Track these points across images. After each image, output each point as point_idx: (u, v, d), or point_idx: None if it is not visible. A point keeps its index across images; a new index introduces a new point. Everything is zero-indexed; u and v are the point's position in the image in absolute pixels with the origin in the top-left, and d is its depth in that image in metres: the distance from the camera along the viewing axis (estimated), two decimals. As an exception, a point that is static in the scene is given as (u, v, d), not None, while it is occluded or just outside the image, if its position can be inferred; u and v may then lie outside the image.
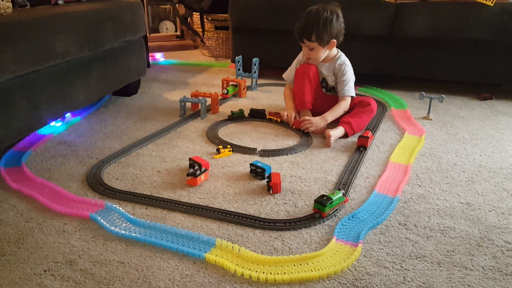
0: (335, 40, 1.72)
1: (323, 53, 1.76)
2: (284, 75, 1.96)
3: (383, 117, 1.93)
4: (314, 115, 1.78)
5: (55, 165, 1.46)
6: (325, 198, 1.15)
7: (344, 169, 1.43)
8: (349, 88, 1.78)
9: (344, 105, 1.77)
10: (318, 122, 1.72)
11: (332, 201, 1.15)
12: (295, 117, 1.80)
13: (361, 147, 1.59)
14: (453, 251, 1.03)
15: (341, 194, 1.19)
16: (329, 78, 1.82)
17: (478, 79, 2.27)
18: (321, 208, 1.15)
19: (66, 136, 1.70)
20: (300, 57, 1.91)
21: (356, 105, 1.80)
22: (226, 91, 2.14)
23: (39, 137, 1.66)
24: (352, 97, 1.80)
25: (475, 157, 1.55)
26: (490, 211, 1.20)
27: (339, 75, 1.78)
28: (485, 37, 2.11)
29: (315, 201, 1.16)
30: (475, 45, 2.18)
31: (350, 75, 1.79)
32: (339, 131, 1.67)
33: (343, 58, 1.80)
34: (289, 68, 1.94)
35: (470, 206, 1.23)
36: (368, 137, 1.59)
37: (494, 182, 1.37)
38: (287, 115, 1.81)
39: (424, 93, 1.93)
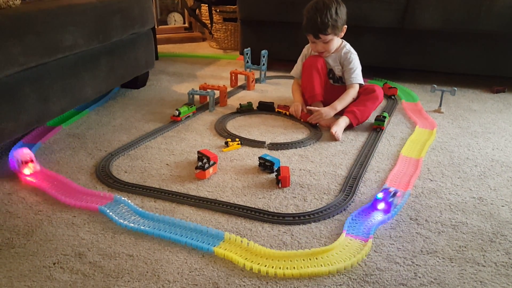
0: (346, 26, 1.72)
1: (337, 42, 1.75)
2: (291, 73, 1.94)
3: (393, 110, 1.91)
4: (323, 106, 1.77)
5: (64, 157, 1.46)
6: (382, 116, 1.68)
7: (354, 162, 1.42)
8: (356, 75, 1.76)
9: (352, 93, 1.75)
10: (327, 112, 1.70)
11: (386, 118, 1.67)
12: (302, 110, 1.78)
13: (392, 96, 2.01)
14: (465, 247, 1.02)
15: (387, 114, 1.72)
16: (336, 69, 1.80)
17: (490, 72, 2.23)
18: (381, 123, 1.67)
19: (75, 128, 1.71)
20: (305, 51, 1.90)
21: (361, 93, 1.78)
22: (177, 113, 1.75)
23: (48, 130, 1.66)
24: (360, 84, 1.78)
25: (487, 151, 1.52)
26: (503, 206, 1.18)
27: (345, 64, 1.76)
28: (497, 29, 2.08)
29: (376, 119, 1.68)
30: (487, 37, 2.14)
31: (356, 63, 1.77)
32: (343, 122, 1.65)
33: (348, 47, 1.79)
34: (295, 65, 1.93)
35: (482, 201, 1.21)
36: (397, 88, 2.08)
37: (507, 176, 1.34)
38: (294, 109, 1.79)
39: (435, 85, 1.91)
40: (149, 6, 2.03)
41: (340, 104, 1.73)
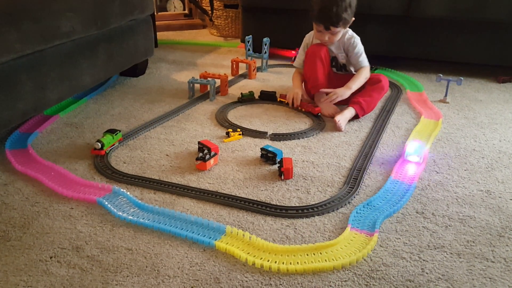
0: (354, 18, 1.67)
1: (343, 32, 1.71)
2: (295, 64, 1.89)
3: (398, 100, 1.87)
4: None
5: (61, 147, 1.43)
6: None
7: (358, 154, 1.39)
8: (364, 58, 1.73)
9: (365, 73, 1.71)
10: (343, 92, 1.66)
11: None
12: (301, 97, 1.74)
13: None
14: (473, 242, 0.99)
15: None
16: (339, 56, 1.76)
17: (496, 61, 2.18)
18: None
19: (72, 117, 1.67)
20: (306, 40, 1.85)
21: (367, 83, 1.74)
22: (100, 145, 1.35)
23: (45, 118, 1.62)
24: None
25: (494, 142, 1.49)
26: (511, 199, 1.16)
27: (350, 49, 1.72)
28: (504, 18, 2.03)
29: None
30: (494, 26, 2.09)
31: (360, 46, 1.73)
32: (348, 113, 1.62)
33: (350, 32, 1.74)
34: (297, 56, 1.88)
35: (490, 194, 1.18)
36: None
37: (515, 169, 1.32)
38: (293, 96, 1.74)
39: (441, 75, 1.87)
40: (149, -9, 1.99)
41: (355, 83, 1.68)
